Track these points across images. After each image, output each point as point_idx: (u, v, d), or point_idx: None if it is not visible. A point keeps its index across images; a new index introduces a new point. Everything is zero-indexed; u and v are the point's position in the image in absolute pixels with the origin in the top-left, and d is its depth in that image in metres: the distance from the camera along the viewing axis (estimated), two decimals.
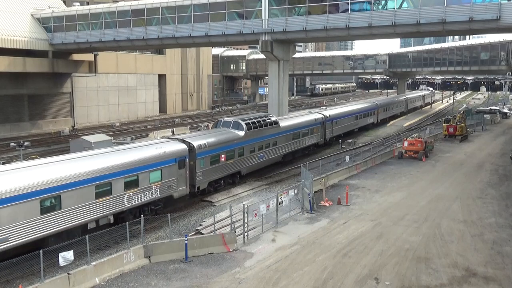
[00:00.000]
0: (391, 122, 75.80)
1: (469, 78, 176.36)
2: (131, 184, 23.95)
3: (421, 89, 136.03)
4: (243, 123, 34.50)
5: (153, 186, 25.37)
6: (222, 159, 31.40)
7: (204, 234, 23.86)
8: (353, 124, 58.26)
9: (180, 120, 76.25)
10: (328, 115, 49.68)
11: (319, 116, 48.02)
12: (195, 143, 28.96)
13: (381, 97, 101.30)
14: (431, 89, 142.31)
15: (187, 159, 27.82)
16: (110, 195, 22.81)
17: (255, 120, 36.12)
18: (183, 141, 28.72)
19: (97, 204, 22.10)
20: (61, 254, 17.97)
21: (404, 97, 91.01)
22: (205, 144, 29.71)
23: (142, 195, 24.67)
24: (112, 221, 23.04)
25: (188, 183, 28.09)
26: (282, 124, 39.69)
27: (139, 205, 24.67)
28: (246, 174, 35.03)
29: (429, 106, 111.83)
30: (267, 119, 37.72)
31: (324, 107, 55.96)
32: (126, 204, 23.74)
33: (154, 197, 25.50)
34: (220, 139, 31.90)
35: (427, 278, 18.47)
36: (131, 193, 23.91)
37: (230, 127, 34.24)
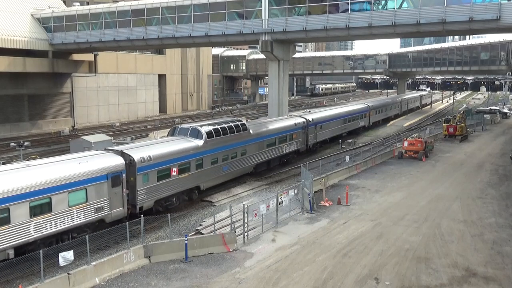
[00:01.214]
0: (391, 122, 75.79)
1: (469, 78, 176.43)
2: (40, 209, 19.93)
3: (419, 90, 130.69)
4: (202, 130, 30.15)
5: (75, 210, 21.26)
6: (174, 173, 27.12)
7: (204, 234, 23.86)
8: (340, 128, 54.01)
9: (180, 120, 76.17)
10: (311, 119, 45.30)
11: (300, 120, 43.71)
12: (136, 156, 24.82)
13: (374, 98, 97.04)
14: (428, 89, 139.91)
15: (123, 175, 23.75)
16: (8, 223, 18.79)
17: (218, 127, 31.87)
18: (122, 153, 24.74)
19: None
20: (61, 254, 17.98)
21: (399, 98, 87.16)
22: (149, 156, 25.48)
23: (58, 222, 20.57)
24: (12, 255, 18.85)
25: (125, 203, 24.01)
26: (254, 130, 35.59)
27: (55, 233, 20.67)
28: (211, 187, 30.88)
29: (429, 106, 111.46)
30: (234, 125, 33.64)
31: (308, 110, 50.96)
32: (33, 234, 19.66)
33: (76, 222, 21.38)
34: (171, 150, 27.49)
35: (427, 278, 18.47)
36: (40, 220, 19.87)
37: (188, 135, 29.81)
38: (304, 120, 44.20)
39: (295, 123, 42.29)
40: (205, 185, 30.11)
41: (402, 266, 19.56)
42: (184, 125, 31.67)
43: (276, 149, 38.91)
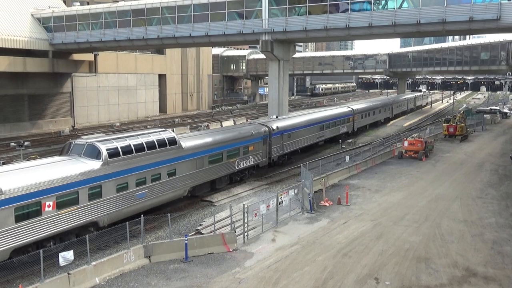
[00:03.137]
0: (391, 122, 75.77)
1: (469, 78, 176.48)
2: None
3: (414, 90, 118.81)
4: (102, 148, 23.08)
5: None
6: (49, 208, 20.09)
7: (204, 234, 23.86)
8: (315, 136, 47.23)
9: (180, 120, 76.24)
10: (275, 127, 38.53)
11: (260, 129, 36.87)
12: None
13: (361, 101, 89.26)
14: (424, 89, 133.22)
15: None
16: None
17: (129, 142, 24.70)
18: None
19: None
20: (61, 254, 17.99)
21: (391, 100, 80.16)
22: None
23: None
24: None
25: None
26: (187, 144, 28.54)
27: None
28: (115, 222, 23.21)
29: (428, 107, 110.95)
30: (157, 139, 26.40)
31: (275, 117, 43.38)
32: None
33: None
34: (41, 178, 20.11)
35: (427, 278, 18.47)
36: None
37: (82, 155, 22.96)
38: (266, 128, 37.51)
39: (252, 133, 35.37)
40: (108, 219, 22.94)
41: (402, 266, 19.56)
42: (79, 141, 24.10)
43: (224, 166, 31.96)
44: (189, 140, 29.29)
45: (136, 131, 29.10)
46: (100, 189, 22.60)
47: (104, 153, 23.02)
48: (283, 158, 41.13)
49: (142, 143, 25.34)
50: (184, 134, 30.80)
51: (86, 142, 23.54)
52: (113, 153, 23.55)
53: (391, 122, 76.11)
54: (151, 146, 25.74)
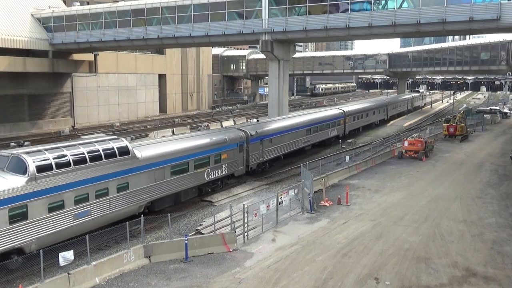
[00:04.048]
0: (391, 122, 75.76)
1: (469, 78, 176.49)
2: None
3: (412, 91, 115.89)
4: (29, 161, 19.72)
5: None
6: None
7: (204, 234, 23.87)
8: (301, 141, 44.02)
9: (180, 120, 76.23)
10: (253, 133, 35.67)
11: (236, 134, 33.71)
12: None
13: (354, 102, 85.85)
14: (422, 90, 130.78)
15: None
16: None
17: (66, 153, 21.35)
18: None
19: None
20: (61, 254, 17.99)
21: (386, 101, 77.02)
22: None
23: None
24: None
25: None
26: (144, 153, 25.34)
27: None
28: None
29: (428, 107, 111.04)
30: (104, 149, 22.99)
31: (256, 120, 40.87)
32: None
33: None
34: None
35: (427, 278, 18.47)
36: None
37: (5, 168, 19.72)
38: (243, 133, 34.45)
39: (225, 139, 32.16)
40: (37, 244, 19.57)
41: (402, 266, 19.57)
42: (4, 153, 20.85)
43: (191, 176, 28.71)
44: (147, 149, 26.09)
45: (80, 139, 25.35)
46: (26, 210, 19.20)
47: (31, 167, 19.60)
48: (263, 166, 37.83)
49: (83, 154, 22.01)
50: (143, 142, 27.62)
51: (11, 154, 20.17)
52: (44, 167, 20.16)
53: (391, 122, 76.10)
54: (95, 157, 22.46)
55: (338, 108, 56.32)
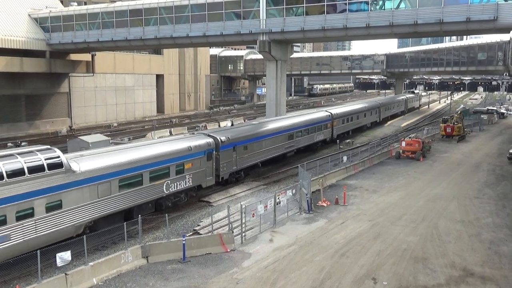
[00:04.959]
0: (389, 123, 75.87)
1: (467, 78, 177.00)
2: None
3: (407, 91, 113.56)
4: None
5: None
6: None
7: (202, 234, 23.85)
8: (282, 147, 40.76)
9: (177, 120, 76.22)
10: (224, 139, 32.32)
11: (202, 141, 30.15)
12: None
13: (345, 103, 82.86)
14: (417, 91, 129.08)
15: None
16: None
17: None
18: None
19: None
20: (58, 255, 17.95)
21: (378, 102, 73.33)
22: None
23: None
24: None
25: None
26: (84, 165, 22.02)
27: None
28: None
29: (427, 107, 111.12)
30: (28, 161, 19.72)
31: (229, 125, 36.81)
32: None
33: None
34: None
35: (425, 278, 18.50)
36: None
37: None
38: (212, 140, 31.06)
39: (189, 147, 28.55)
40: None
41: (399, 266, 19.59)
42: None
43: (146, 190, 25.24)
44: (88, 160, 22.59)
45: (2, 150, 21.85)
46: None
47: None
48: (239, 175, 34.71)
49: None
50: (85, 152, 24.35)
51: None
52: None
53: (389, 122, 76.20)
54: (15, 172, 19.05)
55: (325, 111, 52.53)
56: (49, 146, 21.91)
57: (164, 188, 26.54)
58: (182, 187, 27.99)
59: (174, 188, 27.30)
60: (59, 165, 20.79)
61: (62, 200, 20.81)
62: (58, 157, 20.94)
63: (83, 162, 22.24)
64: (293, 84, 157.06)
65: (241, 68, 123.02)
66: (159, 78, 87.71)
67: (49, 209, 20.27)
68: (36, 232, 19.79)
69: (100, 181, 22.46)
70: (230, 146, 32.94)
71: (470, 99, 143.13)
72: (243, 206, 23.40)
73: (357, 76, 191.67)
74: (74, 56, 63.86)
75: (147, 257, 20.53)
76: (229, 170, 33.05)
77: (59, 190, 20.65)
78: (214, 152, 30.97)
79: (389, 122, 76.12)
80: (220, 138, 31.96)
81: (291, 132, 42.29)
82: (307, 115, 49.27)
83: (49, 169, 20.26)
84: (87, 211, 21.94)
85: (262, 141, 37.29)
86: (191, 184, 28.72)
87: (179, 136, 31.79)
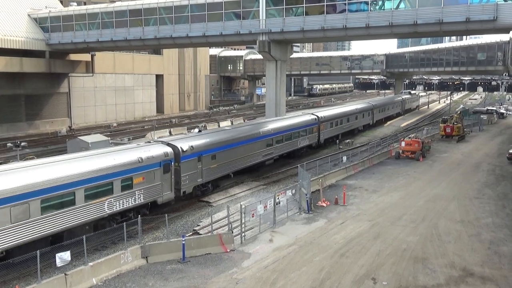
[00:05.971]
0: (388, 123, 75.86)
1: (466, 78, 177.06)
2: None
3: (403, 91, 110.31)
4: None
5: None
6: None
7: (201, 234, 23.85)
8: (259, 154, 37.20)
9: (177, 121, 76.21)
10: (187, 148, 28.70)
11: (158, 151, 26.38)
12: None
13: (334, 106, 78.32)
14: (414, 92, 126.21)
15: None
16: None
17: None
18: None
19: None
20: (58, 255, 17.94)
21: (372, 104, 68.89)
22: None
23: None
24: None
25: None
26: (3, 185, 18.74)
27: None
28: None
29: (426, 107, 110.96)
30: None
31: (196, 130, 33.71)
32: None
33: None
34: None
35: (425, 278, 18.50)
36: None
37: None
38: (170, 150, 27.22)
39: (139, 158, 24.79)
40: None
41: (399, 266, 19.59)
42: None
43: (79, 211, 21.44)
44: (3, 176, 19.23)
45: None
46: None
47: None
48: (204, 188, 30.89)
49: None
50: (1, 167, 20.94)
51: None
52: None
53: (388, 122, 76.18)
54: None
55: (311, 114, 49.00)
56: None
57: (106, 207, 22.67)
58: (131, 204, 24.00)
59: (119, 207, 23.38)
60: None
61: None
62: None
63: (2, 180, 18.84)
64: (292, 84, 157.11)
65: (241, 68, 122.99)
66: (159, 78, 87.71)
67: None
68: None
69: (14, 203, 18.82)
70: (194, 155, 29.14)
71: (469, 99, 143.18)
72: (243, 206, 23.40)
73: (356, 76, 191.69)
74: (73, 56, 63.83)
75: (146, 257, 20.51)
76: (192, 183, 29.12)
77: None
78: (173, 163, 26.99)
79: (388, 122, 76.10)
80: (180, 147, 28.17)
81: (270, 138, 38.77)
82: (289, 119, 45.19)
83: None
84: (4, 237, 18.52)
85: (234, 149, 33.55)
86: (142, 201, 24.78)
87: (131, 145, 28.29)
